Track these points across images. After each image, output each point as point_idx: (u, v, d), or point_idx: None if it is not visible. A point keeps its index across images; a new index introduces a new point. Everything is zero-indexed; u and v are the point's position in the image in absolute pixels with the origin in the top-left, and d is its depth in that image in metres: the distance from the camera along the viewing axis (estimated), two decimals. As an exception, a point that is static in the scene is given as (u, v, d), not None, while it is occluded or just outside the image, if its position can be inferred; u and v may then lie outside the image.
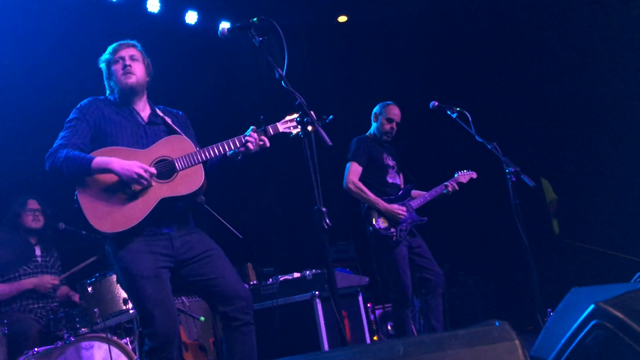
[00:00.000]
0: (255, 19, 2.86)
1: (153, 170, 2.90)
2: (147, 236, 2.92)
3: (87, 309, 4.13)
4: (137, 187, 2.88)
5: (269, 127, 3.06)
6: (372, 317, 5.72)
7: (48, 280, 4.35)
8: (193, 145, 3.04)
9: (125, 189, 2.89)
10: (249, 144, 3.00)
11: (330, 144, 2.60)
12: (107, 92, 3.24)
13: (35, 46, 5.61)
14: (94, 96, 3.18)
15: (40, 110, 5.63)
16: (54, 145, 2.98)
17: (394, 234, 4.56)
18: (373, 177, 4.73)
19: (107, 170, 2.86)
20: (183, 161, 2.95)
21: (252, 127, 3.05)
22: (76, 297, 4.45)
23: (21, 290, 4.29)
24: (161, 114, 3.20)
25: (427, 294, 4.59)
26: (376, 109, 4.90)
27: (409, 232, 4.64)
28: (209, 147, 2.99)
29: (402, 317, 4.51)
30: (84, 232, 4.66)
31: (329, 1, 7.14)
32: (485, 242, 7.27)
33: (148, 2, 6.22)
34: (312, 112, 2.74)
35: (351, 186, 4.65)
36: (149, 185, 2.89)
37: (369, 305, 5.62)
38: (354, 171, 4.68)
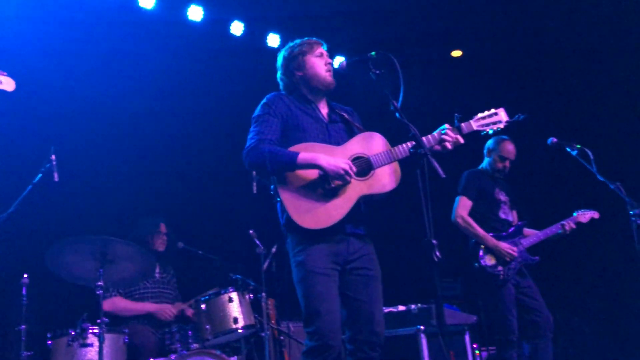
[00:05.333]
0: (373, 53, 2.89)
1: (355, 167, 2.88)
2: (329, 236, 2.89)
3: (199, 325, 4.33)
4: (337, 184, 2.87)
5: (463, 124, 3.02)
6: (477, 358, 5.50)
7: (169, 310, 4.56)
8: (387, 143, 3.00)
9: (325, 185, 2.87)
10: (447, 143, 2.93)
11: (444, 175, 2.55)
12: (284, 84, 3.22)
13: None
14: (277, 92, 3.17)
15: (168, 135, 6.04)
16: (250, 142, 2.95)
17: (501, 272, 4.40)
18: (483, 212, 4.61)
19: (313, 165, 2.85)
20: (379, 159, 2.92)
21: (445, 124, 2.97)
22: (189, 312, 4.67)
23: (143, 311, 4.54)
24: (339, 112, 3.20)
25: (536, 337, 4.39)
26: (490, 144, 4.75)
27: (518, 272, 4.47)
28: (404, 144, 2.92)
29: (508, 360, 4.32)
30: (200, 252, 4.92)
31: (442, 36, 7.10)
32: (605, 287, 6.79)
33: (232, 25, 6.18)
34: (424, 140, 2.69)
35: (459, 220, 4.56)
36: (348, 183, 2.88)
37: (474, 345, 5.42)
38: (463, 205, 4.59)
